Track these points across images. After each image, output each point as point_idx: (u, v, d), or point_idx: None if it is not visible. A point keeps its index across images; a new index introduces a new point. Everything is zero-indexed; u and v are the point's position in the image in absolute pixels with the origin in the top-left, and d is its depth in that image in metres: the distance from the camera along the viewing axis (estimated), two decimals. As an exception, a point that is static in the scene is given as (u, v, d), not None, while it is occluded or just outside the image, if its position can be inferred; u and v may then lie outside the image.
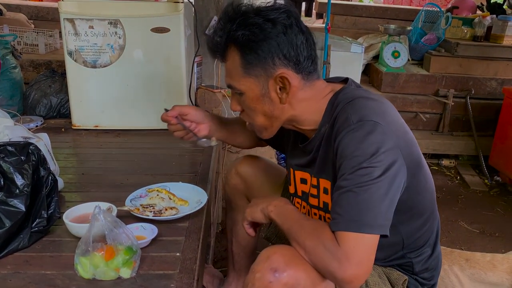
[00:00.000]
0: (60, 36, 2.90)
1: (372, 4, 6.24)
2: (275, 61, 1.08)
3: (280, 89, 1.12)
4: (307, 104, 1.15)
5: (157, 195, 1.35)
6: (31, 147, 1.16)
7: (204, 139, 1.42)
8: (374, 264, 1.05)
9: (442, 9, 4.04)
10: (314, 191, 1.23)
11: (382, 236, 1.01)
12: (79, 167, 1.71)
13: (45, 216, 1.16)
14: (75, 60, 1.93)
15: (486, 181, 3.37)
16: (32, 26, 3.82)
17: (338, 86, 1.18)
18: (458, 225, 2.75)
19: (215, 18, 2.66)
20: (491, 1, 4.36)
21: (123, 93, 1.97)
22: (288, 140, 1.36)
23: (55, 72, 2.24)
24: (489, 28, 3.87)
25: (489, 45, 3.79)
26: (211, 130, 1.43)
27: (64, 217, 1.18)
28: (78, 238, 1.05)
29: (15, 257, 1.10)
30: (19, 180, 1.11)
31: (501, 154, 3.29)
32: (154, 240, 1.16)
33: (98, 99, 1.98)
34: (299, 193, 1.30)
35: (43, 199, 1.16)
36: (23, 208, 1.10)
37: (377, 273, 1.24)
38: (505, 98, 3.29)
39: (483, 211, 2.95)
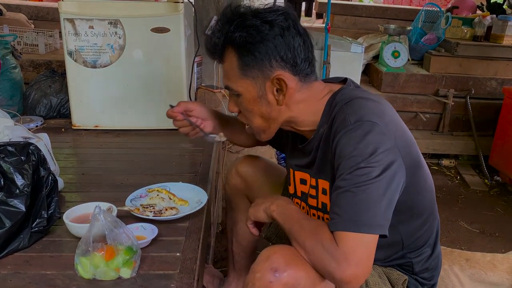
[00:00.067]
0: (60, 36, 2.90)
1: (372, 4, 6.24)
2: (272, 63, 1.09)
3: (277, 90, 1.12)
4: (304, 106, 1.15)
5: (157, 195, 1.35)
6: (31, 147, 1.16)
7: (212, 135, 1.41)
8: (374, 264, 1.05)
9: (442, 9, 4.04)
10: (313, 192, 1.23)
11: (381, 236, 1.00)
12: (79, 167, 1.71)
13: (45, 216, 1.16)
14: (75, 60, 1.93)
15: (486, 181, 3.37)
16: (32, 26, 3.82)
17: (336, 87, 1.18)
18: (458, 225, 2.75)
19: (215, 18, 2.66)
20: (491, 1, 4.37)
21: (123, 93, 1.97)
22: (288, 140, 1.36)
23: (55, 72, 2.24)
24: (489, 28, 3.87)
25: (489, 45, 3.80)
26: (215, 127, 1.44)
27: (64, 217, 1.18)
28: (78, 238, 1.05)
29: (15, 257, 1.10)
30: (19, 180, 1.11)
31: (501, 154, 3.29)
32: (154, 240, 1.16)
33: (98, 99, 1.98)
34: (299, 194, 1.31)
35: (43, 199, 1.16)
36: (23, 208, 1.10)
37: (377, 273, 1.24)
38: (505, 98, 3.29)
39: (483, 211, 2.95)
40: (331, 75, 3.00)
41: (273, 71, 1.09)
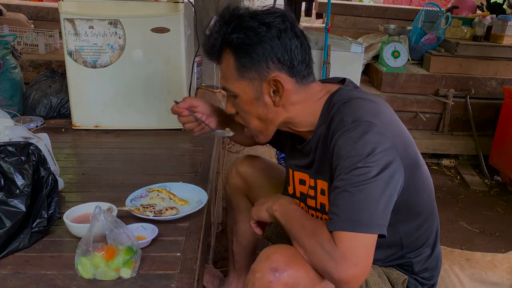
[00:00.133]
0: (60, 36, 2.90)
1: (372, 4, 6.24)
2: (269, 64, 1.09)
3: (273, 92, 1.12)
4: (301, 107, 1.16)
5: (158, 195, 1.35)
6: (31, 147, 1.16)
7: (220, 130, 1.41)
8: (373, 264, 1.05)
9: (442, 9, 4.05)
10: (311, 193, 1.23)
11: (380, 236, 1.00)
12: (79, 167, 1.71)
13: (46, 216, 1.16)
14: (75, 60, 1.93)
15: (486, 181, 3.37)
16: (32, 26, 3.82)
17: (334, 87, 1.18)
18: (458, 225, 2.75)
19: (215, 18, 2.65)
20: (491, 1, 4.37)
21: (123, 93, 1.97)
22: (287, 140, 1.36)
23: (55, 72, 2.24)
24: (489, 28, 3.87)
25: (489, 45, 3.80)
26: (219, 123, 1.44)
27: (64, 217, 1.18)
28: (79, 238, 1.05)
29: (15, 257, 1.10)
30: (19, 180, 1.11)
31: (501, 153, 3.29)
32: (154, 240, 1.16)
33: (98, 99, 1.98)
34: (298, 194, 1.30)
35: (44, 199, 1.16)
36: (23, 208, 1.10)
37: (377, 273, 1.24)
38: (505, 98, 3.30)
39: (483, 211, 2.95)
40: (331, 75, 3.00)
41: (270, 72, 1.10)
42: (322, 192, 1.19)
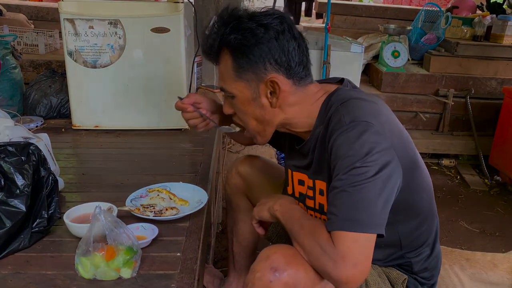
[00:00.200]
0: (60, 36, 2.90)
1: (372, 4, 6.24)
2: (266, 66, 1.09)
3: (270, 93, 1.13)
4: (298, 108, 1.16)
5: (158, 195, 1.35)
6: (31, 147, 1.16)
7: (226, 126, 1.41)
8: (373, 264, 1.04)
9: (442, 8, 4.05)
10: (310, 193, 1.23)
11: (378, 236, 1.00)
12: (80, 167, 1.71)
13: (46, 216, 1.16)
14: (75, 60, 1.93)
15: (486, 180, 3.37)
16: (32, 26, 3.82)
17: (332, 88, 1.18)
18: (458, 225, 2.75)
19: (215, 18, 2.65)
20: (491, 1, 4.37)
21: (123, 93, 1.97)
22: (285, 141, 1.36)
23: (55, 72, 2.24)
24: (489, 28, 3.87)
25: (489, 45, 3.80)
26: (222, 120, 1.44)
27: (64, 217, 1.18)
28: (79, 238, 1.05)
29: (15, 257, 1.10)
30: (19, 180, 1.11)
31: (501, 153, 3.29)
32: (154, 240, 1.16)
33: (98, 99, 1.98)
34: (297, 195, 1.30)
35: (44, 199, 1.16)
36: (23, 208, 1.10)
37: (376, 273, 1.24)
38: (505, 98, 3.30)
39: (483, 210, 2.95)
40: (331, 75, 3.00)
41: (267, 73, 1.10)
42: (321, 193, 1.19)
